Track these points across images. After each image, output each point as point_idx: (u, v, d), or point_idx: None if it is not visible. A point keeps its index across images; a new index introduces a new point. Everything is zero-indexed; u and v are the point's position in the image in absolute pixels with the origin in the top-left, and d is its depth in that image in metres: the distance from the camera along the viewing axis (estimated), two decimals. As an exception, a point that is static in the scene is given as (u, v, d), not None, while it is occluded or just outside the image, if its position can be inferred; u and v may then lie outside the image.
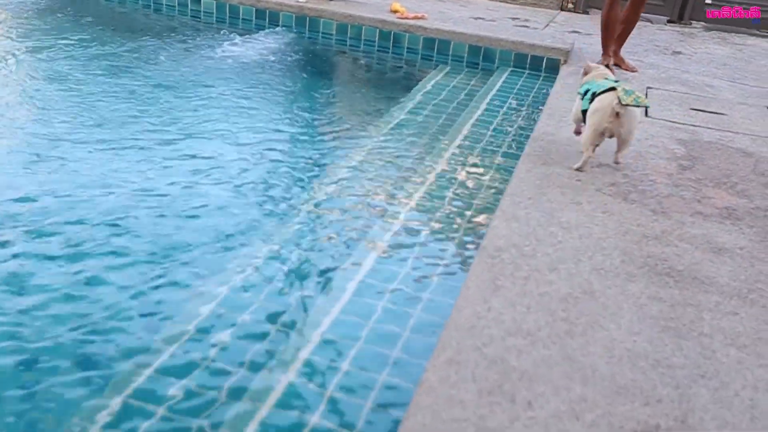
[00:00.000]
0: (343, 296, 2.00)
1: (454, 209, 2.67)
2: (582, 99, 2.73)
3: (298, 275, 2.14)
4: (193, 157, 3.01)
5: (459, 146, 3.31)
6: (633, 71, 4.47)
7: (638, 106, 2.52)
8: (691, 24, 7.01)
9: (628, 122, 2.54)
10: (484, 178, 2.98)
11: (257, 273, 2.11)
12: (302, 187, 2.81)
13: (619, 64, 4.53)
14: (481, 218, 2.61)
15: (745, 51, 5.89)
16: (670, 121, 3.50)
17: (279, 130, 3.45)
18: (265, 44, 4.98)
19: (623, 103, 2.46)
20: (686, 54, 5.44)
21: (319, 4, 5.37)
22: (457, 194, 2.80)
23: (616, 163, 2.77)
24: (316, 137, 3.49)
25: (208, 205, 2.57)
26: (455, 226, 2.55)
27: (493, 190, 2.85)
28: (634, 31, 5.21)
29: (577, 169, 2.68)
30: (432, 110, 3.88)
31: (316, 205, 2.64)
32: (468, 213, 2.65)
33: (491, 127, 3.58)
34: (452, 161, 3.13)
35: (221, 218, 2.47)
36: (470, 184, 2.91)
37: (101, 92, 3.73)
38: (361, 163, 3.08)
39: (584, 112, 2.68)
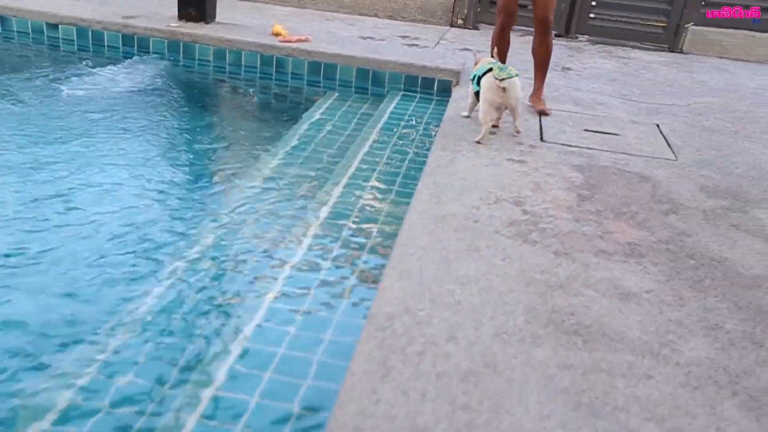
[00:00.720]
0: (206, 392, 1.69)
1: (341, 266, 2.42)
2: (472, 84, 3.43)
3: (166, 355, 1.83)
4: (50, 211, 2.62)
5: (346, 186, 3.08)
6: (545, 115, 3.89)
7: (511, 77, 3.12)
8: (577, 38, 7.17)
9: (512, 93, 3.17)
10: (373, 224, 2.75)
11: (119, 353, 1.78)
12: (172, 244, 2.48)
13: (534, 105, 3.97)
14: (370, 274, 2.37)
15: (630, 64, 6.05)
16: (566, 145, 3.43)
17: (148, 176, 3.08)
18: (132, 75, 4.57)
19: (498, 78, 3.09)
20: (575, 70, 5.50)
21: (194, 29, 5.02)
22: (345, 245, 2.56)
23: (517, 132, 3.43)
24: (192, 182, 3.15)
25: (62, 270, 2.23)
26: (342, 287, 2.29)
27: (383, 238, 2.63)
28: (520, 47, 5.20)
29: (478, 142, 3.22)
30: (319, 144, 3.64)
31: (188, 269, 2.32)
32: (356, 269, 2.40)
33: (381, 162, 3.37)
34: (339, 205, 2.88)
35: (78, 288, 2.13)
36: (359, 232, 2.67)
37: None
38: (237, 212, 2.78)
39: (477, 93, 3.34)
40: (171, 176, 3.17)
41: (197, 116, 4.18)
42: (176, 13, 5.28)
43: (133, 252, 2.40)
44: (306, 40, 4.94)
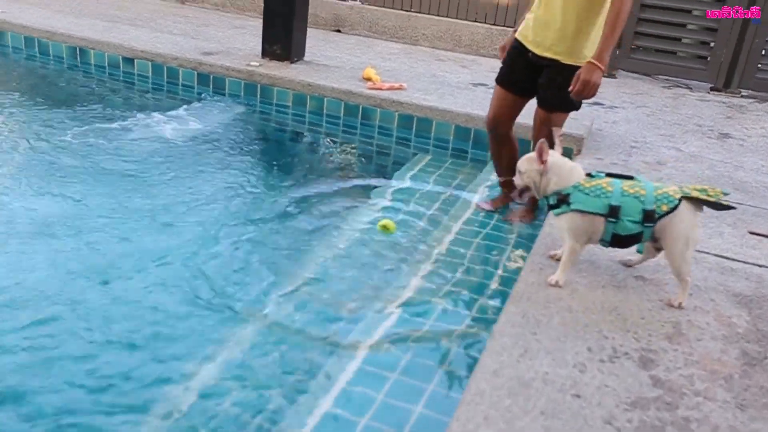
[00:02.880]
0: None
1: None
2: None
3: None
4: (108, 267, 2.46)
5: (407, 303, 2.40)
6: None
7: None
8: (740, 93, 6.10)
9: None
10: (427, 386, 2.04)
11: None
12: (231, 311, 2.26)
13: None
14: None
15: (812, 131, 4.94)
16: (723, 257, 2.55)
17: (214, 239, 2.76)
18: (203, 120, 4.15)
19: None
20: (737, 138, 4.51)
21: (274, 69, 4.56)
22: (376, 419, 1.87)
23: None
24: (257, 252, 2.70)
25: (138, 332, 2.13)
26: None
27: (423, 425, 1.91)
28: (669, 103, 4.32)
29: None
30: (398, 226, 2.99)
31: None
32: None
33: (463, 265, 2.66)
34: (393, 333, 2.21)
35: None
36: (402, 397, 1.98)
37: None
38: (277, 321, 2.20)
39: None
40: (230, 241, 2.79)
41: (263, 173, 3.62)
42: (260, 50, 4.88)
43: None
44: (399, 88, 4.34)
